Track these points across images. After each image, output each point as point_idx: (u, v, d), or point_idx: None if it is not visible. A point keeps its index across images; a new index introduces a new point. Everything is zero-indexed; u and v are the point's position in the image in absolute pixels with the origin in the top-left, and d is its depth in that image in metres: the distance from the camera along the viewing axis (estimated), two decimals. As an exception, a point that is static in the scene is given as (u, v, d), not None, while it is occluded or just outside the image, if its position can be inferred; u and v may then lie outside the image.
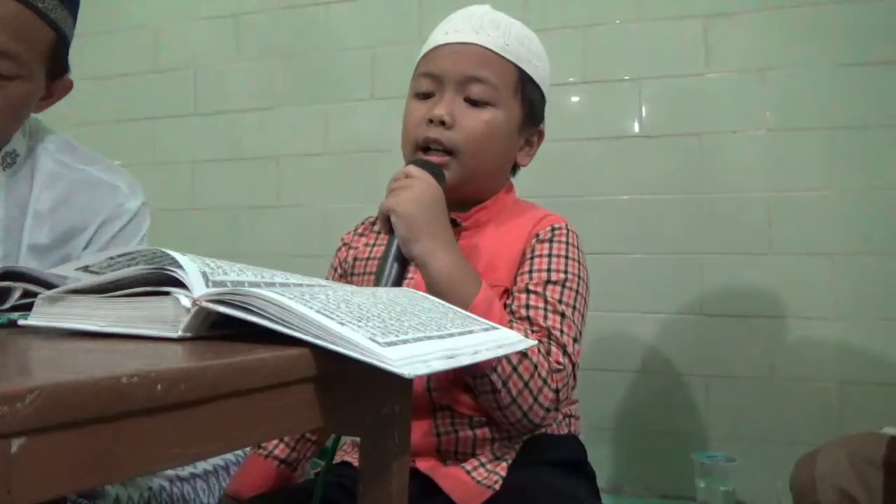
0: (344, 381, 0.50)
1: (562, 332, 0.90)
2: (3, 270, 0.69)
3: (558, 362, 0.87)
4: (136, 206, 1.12)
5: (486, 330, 0.60)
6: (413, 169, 0.91)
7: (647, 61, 1.81)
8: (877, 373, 1.60)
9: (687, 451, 1.65)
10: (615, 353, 1.79)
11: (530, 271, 0.95)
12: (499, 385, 0.84)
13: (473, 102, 0.97)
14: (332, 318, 0.45)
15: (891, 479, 0.92)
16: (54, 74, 1.01)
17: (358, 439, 0.63)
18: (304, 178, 2.12)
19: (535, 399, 0.85)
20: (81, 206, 1.08)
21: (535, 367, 0.85)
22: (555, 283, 0.93)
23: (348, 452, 1.00)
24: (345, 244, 1.11)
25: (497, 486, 0.87)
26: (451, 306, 0.65)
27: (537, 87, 1.03)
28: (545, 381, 0.85)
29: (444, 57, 0.99)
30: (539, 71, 1.02)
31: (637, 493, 1.75)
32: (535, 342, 0.85)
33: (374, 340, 0.44)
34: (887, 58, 1.63)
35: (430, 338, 0.50)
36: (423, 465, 0.90)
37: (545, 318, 0.90)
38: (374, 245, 1.07)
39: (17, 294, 0.67)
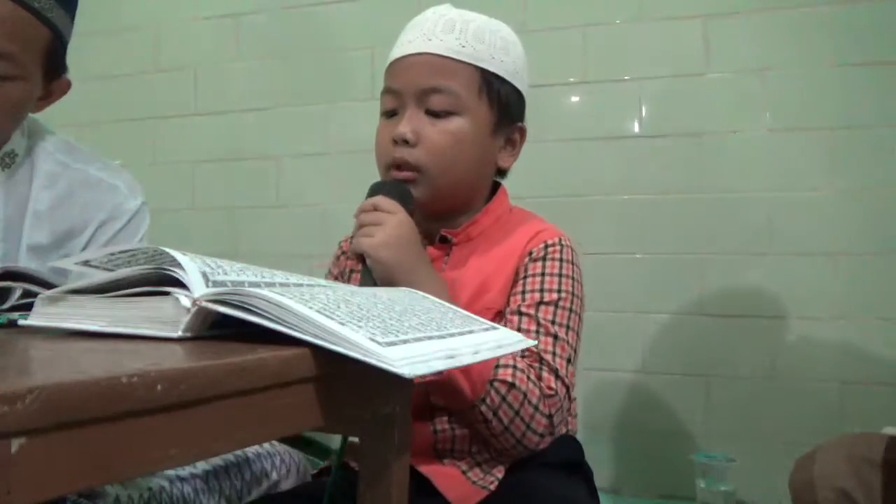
0: (344, 381, 0.50)
1: (554, 354, 0.88)
2: (3, 270, 0.69)
3: (550, 387, 0.86)
4: (136, 206, 1.12)
5: (487, 330, 0.60)
6: (382, 201, 0.89)
7: (647, 61, 1.81)
8: (877, 373, 1.60)
9: (687, 451, 1.65)
10: (615, 353, 1.78)
11: (523, 292, 0.93)
12: (489, 416, 0.84)
13: (436, 114, 0.94)
14: (333, 318, 0.45)
15: (890, 480, 0.92)
16: (52, 75, 1.00)
17: (358, 439, 0.63)
18: (304, 178, 2.12)
19: (528, 426, 0.85)
20: (81, 206, 1.08)
21: (525, 394, 0.84)
22: (547, 303, 0.91)
23: (348, 453, 1.00)
24: (343, 252, 1.08)
25: (492, 487, 0.87)
26: (452, 306, 0.65)
27: (507, 82, 0.97)
28: (536, 408, 0.85)
29: (400, 71, 0.97)
30: (506, 65, 0.97)
31: (637, 493, 1.75)
32: (535, 341, 0.85)
33: (374, 340, 0.44)
34: (887, 58, 1.63)
35: (430, 338, 0.50)
36: (419, 462, 0.90)
37: (536, 341, 0.89)
38: None
39: (17, 294, 0.67)
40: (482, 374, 0.83)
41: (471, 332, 0.57)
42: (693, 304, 1.75)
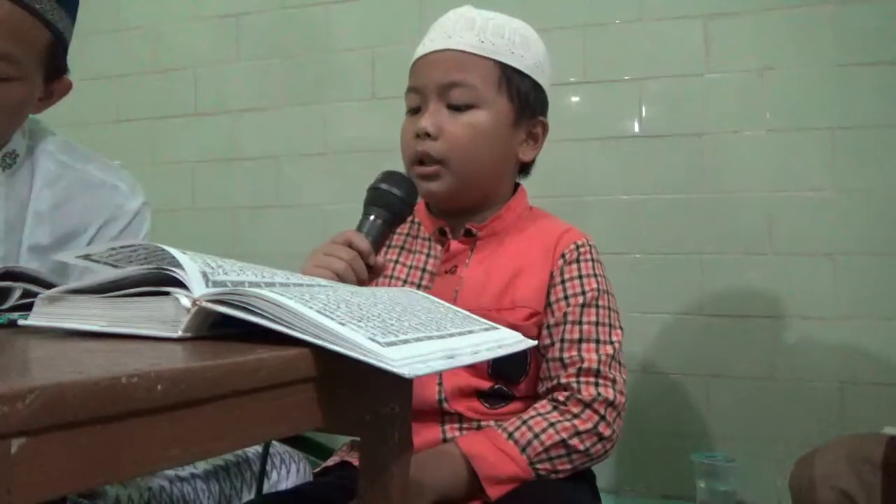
0: (344, 381, 0.50)
1: (599, 361, 0.91)
2: (3, 270, 0.69)
3: (589, 415, 0.89)
4: (137, 206, 1.12)
5: (486, 330, 0.60)
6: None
7: (647, 61, 1.81)
8: (877, 373, 1.60)
9: (687, 451, 1.64)
10: (615, 353, 1.78)
11: (566, 297, 0.96)
12: (567, 473, 0.89)
13: (457, 108, 0.97)
14: (333, 319, 0.45)
15: (890, 480, 0.92)
16: (52, 75, 1.00)
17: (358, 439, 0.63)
18: (304, 178, 2.12)
19: (589, 457, 0.89)
20: (82, 206, 1.08)
21: (586, 451, 0.88)
22: (589, 304, 0.95)
23: (348, 452, 1.00)
24: None
25: None
26: (452, 306, 0.65)
27: (527, 76, 1.00)
28: (583, 443, 0.88)
29: (422, 69, 1.01)
30: (525, 60, 0.99)
31: (637, 493, 1.75)
32: (534, 342, 0.86)
33: (374, 340, 0.44)
34: (888, 58, 1.63)
35: (430, 338, 0.50)
36: None
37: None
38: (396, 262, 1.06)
39: (17, 294, 0.67)
40: (519, 461, 0.86)
41: (470, 332, 0.57)
42: (693, 304, 1.75)
